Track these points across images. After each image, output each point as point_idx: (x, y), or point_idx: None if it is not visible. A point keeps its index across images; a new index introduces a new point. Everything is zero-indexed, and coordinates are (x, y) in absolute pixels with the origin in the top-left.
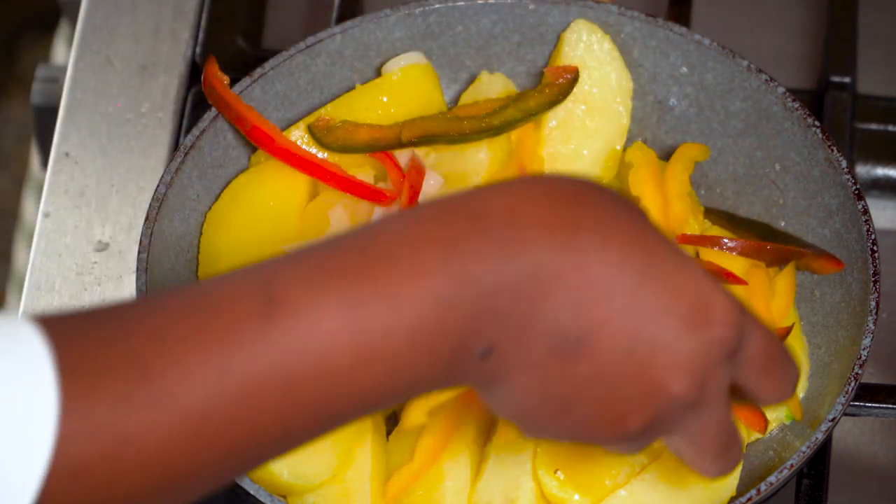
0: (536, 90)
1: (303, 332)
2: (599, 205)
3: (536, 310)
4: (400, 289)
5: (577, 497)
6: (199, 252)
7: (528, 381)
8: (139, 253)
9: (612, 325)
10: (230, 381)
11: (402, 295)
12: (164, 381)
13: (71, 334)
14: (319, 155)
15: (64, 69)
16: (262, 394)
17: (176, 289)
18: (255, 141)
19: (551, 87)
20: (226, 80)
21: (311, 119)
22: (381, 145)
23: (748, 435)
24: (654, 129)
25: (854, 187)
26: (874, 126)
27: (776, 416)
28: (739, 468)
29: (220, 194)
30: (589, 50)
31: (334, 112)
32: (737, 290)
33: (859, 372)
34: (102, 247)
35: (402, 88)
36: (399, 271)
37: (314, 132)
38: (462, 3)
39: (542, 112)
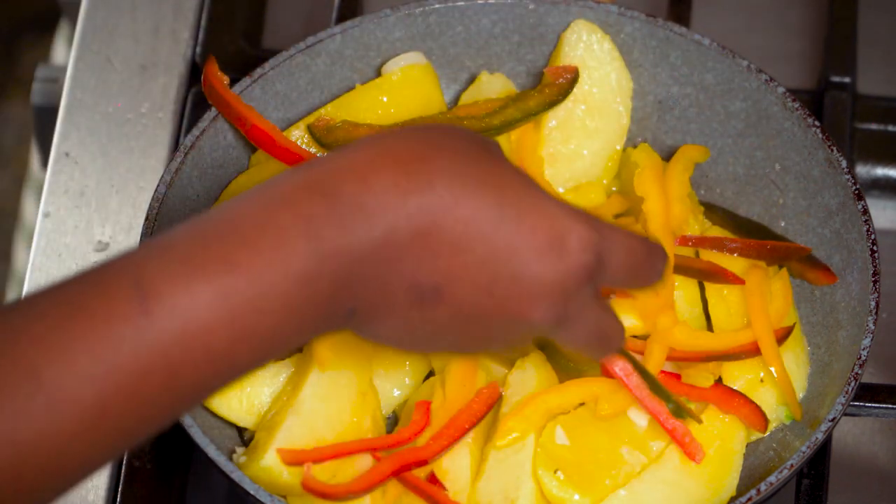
0: (536, 90)
1: (180, 323)
2: (449, 156)
3: (394, 270)
4: (266, 274)
5: (577, 497)
6: None
7: (392, 327)
8: None
9: (468, 271)
10: (118, 376)
11: (269, 279)
12: (56, 386)
13: None
14: (319, 155)
15: (64, 69)
16: (149, 384)
17: (50, 291)
18: (255, 141)
19: (551, 87)
20: (225, 80)
21: (311, 119)
22: None
23: (748, 435)
24: (654, 129)
25: (854, 187)
26: (874, 126)
27: (776, 416)
28: (740, 467)
29: (220, 194)
30: (589, 50)
31: (334, 112)
32: (736, 289)
33: (859, 372)
34: (102, 247)
35: (402, 88)
36: (263, 255)
37: (314, 132)
38: (462, 3)
39: (541, 112)
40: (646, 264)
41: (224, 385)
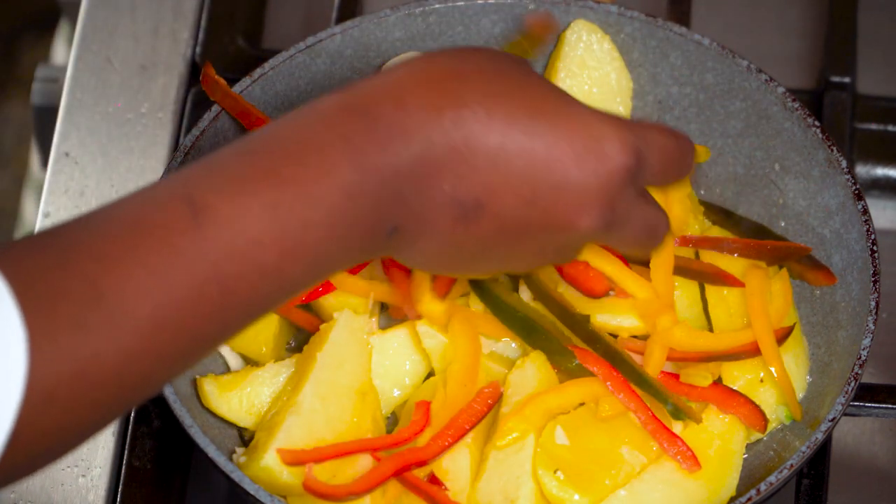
0: (510, 45)
1: (231, 237)
2: (480, 73)
3: (434, 186)
4: (311, 187)
5: (577, 497)
6: None
7: (437, 246)
8: None
9: (509, 184)
10: (174, 291)
11: (315, 192)
12: (117, 300)
13: (21, 265)
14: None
15: (64, 69)
16: (203, 299)
17: (104, 209)
18: None
19: (527, 35)
20: (221, 83)
21: None
22: None
23: (748, 435)
24: None
25: (854, 187)
26: (874, 126)
27: (776, 416)
28: (739, 467)
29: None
30: (589, 50)
31: None
32: (736, 290)
33: (859, 372)
34: None
35: None
36: (307, 171)
37: None
38: (462, 3)
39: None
40: (680, 158)
41: (274, 305)
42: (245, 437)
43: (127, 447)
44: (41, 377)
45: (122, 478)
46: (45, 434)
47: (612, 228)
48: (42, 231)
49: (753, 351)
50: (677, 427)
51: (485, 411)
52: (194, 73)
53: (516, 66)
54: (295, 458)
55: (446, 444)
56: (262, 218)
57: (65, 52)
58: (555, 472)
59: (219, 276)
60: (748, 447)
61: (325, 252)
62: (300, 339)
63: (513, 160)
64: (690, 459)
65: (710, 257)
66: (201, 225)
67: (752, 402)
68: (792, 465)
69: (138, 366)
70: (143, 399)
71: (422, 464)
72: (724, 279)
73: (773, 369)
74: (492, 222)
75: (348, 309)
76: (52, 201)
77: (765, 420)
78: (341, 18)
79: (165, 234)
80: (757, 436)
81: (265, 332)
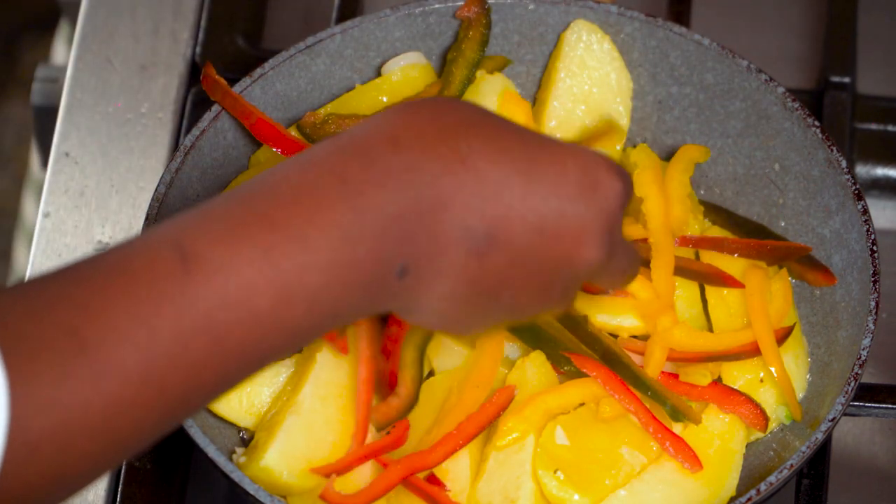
0: (460, 41)
1: (221, 282)
2: (465, 113)
3: (442, 221)
4: (306, 229)
5: (576, 497)
6: None
7: (452, 287)
8: None
9: (516, 211)
10: (161, 340)
11: (310, 234)
12: (99, 349)
13: (2, 314)
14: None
15: (64, 69)
16: (193, 347)
17: (94, 256)
18: (260, 135)
19: (469, 26)
20: (222, 83)
21: None
22: None
23: (748, 435)
24: (654, 129)
25: (854, 187)
26: (874, 126)
27: (776, 416)
28: (739, 467)
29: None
30: (589, 50)
31: (334, 112)
32: (736, 290)
33: (859, 372)
34: (102, 247)
35: (402, 88)
36: (302, 213)
37: (304, 130)
38: (462, 3)
39: (482, 52)
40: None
41: (278, 353)
42: (245, 437)
43: None
44: (23, 428)
45: (121, 478)
46: (31, 487)
47: (611, 258)
48: (28, 280)
49: (753, 351)
50: (676, 428)
51: (493, 417)
52: (194, 73)
53: (492, 114)
54: (324, 472)
55: (452, 449)
56: (255, 262)
57: (65, 52)
58: (555, 472)
59: (210, 323)
60: (748, 447)
61: (326, 297)
62: None
63: (516, 189)
64: (693, 460)
65: (710, 257)
66: (190, 271)
67: (753, 401)
68: (792, 465)
69: (127, 416)
70: (136, 450)
71: (428, 469)
72: (724, 280)
73: (773, 369)
74: (504, 253)
75: None
76: (52, 201)
77: (766, 419)
78: (341, 18)
79: (152, 282)
80: (757, 436)
81: None
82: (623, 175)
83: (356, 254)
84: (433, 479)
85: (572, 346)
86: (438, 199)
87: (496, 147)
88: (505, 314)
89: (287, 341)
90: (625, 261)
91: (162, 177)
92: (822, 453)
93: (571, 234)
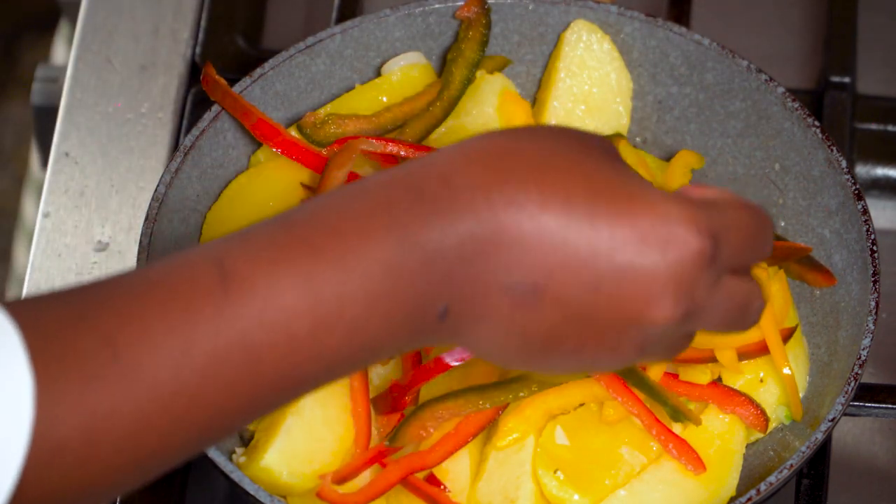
0: (460, 41)
1: (260, 304)
2: (535, 152)
3: (485, 269)
4: (349, 258)
5: (576, 497)
6: None
7: (501, 334)
8: (139, 253)
9: (569, 267)
10: (195, 355)
11: (352, 264)
12: (132, 358)
13: (38, 317)
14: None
15: (64, 69)
16: (227, 366)
17: (135, 269)
18: (260, 135)
19: (469, 26)
20: (222, 83)
21: None
22: (370, 132)
23: (748, 435)
24: (654, 129)
25: (854, 187)
26: (874, 126)
27: (776, 416)
28: (739, 467)
29: (219, 194)
30: (589, 50)
31: (334, 112)
32: None
33: (859, 372)
34: (102, 247)
35: (402, 88)
36: (346, 242)
37: (304, 130)
38: (462, 3)
39: (482, 52)
40: (760, 235)
41: (312, 383)
42: (245, 437)
43: None
44: (48, 428)
45: None
46: (51, 493)
47: (693, 318)
48: (65, 287)
49: (756, 351)
50: (676, 429)
51: (493, 417)
52: (194, 73)
53: (575, 144)
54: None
55: (451, 449)
56: (295, 286)
57: (65, 52)
58: (555, 472)
59: (246, 342)
60: (748, 447)
61: (365, 328)
62: None
63: (570, 241)
64: (696, 462)
65: None
66: (229, 290)
67: (754, 401)
68: (792, 465)
69: (154, 431)
70: (156, 473)
71: (427, 468)
72: None
73: (786, 370)
74: (554, 308)
75: None
76: (52, 201)
77: (766, 419)
78: (341, 18)
79: (190, 297)
80: (757, 436)
81: None
82: (709, 231)
83: (396, 287)
84: (433, 479)
85: None
86: (482, 244)
87: (556, 196)
88: (573, 366)
89: (322, 370)
90: (724, 313)
91: (162, 177)
92: (822, 453)
93: (633, 292)
